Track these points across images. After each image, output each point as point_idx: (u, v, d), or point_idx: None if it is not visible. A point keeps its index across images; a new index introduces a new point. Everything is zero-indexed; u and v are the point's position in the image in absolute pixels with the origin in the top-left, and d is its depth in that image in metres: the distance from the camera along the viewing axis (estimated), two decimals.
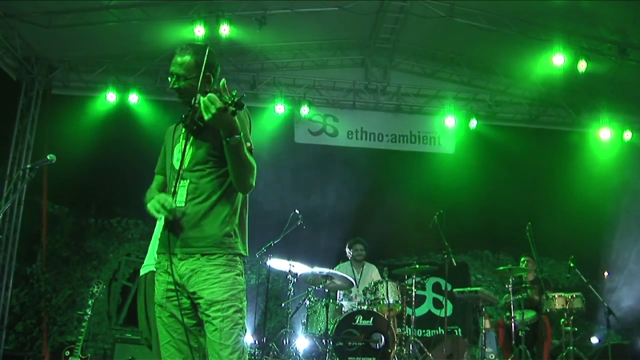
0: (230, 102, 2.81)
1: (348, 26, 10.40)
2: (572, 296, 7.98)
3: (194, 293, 3.21)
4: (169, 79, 3.39)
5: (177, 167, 3.33)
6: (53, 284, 11.59)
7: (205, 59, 3.28)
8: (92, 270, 12.03)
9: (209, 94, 2.86)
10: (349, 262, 8.71)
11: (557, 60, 9.59)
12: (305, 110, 11.08)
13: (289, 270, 7.52)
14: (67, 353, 7.20)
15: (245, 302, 3.32)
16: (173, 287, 3.25)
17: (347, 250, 8.77)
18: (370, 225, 10.82)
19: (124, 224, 12.53)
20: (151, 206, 3.12)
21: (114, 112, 10.97)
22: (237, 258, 3.31)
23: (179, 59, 3.34)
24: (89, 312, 7.39)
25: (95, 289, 7.46)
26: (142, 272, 5.32)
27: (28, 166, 4.01)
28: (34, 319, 11.24)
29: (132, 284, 12.21)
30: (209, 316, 3.14)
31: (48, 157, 4.14)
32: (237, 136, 2.96)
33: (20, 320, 11.12)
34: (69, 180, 10.89)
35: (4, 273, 10.10)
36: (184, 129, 3.36)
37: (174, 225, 3.28)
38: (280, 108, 11.05)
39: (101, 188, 11.79)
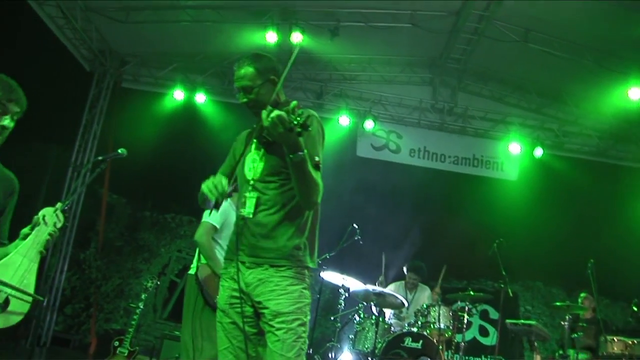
0: (296, 123, 2.80)
1: (419, 43, 10.33)
2: (633, 342, 7.62)
3: (259, 303, 3.20)
4: (237, 96, 3.42)
5: (248, 176, 3.35)
6: (104, 272, 11.79)
7: (268, 63, 3.36)
8: (142, 262, 12.18)
9: (276, 112, 2.85)
10: (403, 281, 8.58)
11: (633, 94, 9.30)
12: (369, 125, 11.02)
13: (342, 285, 7.45)
14: (117, 344, 7.29)
15: (309, 316, 3.30)
16: (238, 294, 3.25)
17: (405, 270, 8.64)
18: (426, 245, 10.68)
19: (177, 220, 12.66)
20: (205, 186, 3.11)
21: (180, 110, 11.10)
22: (305, 271, 3.30)
23: (240, 72, 3.36)
24: (141, 306, 7.45)
25: (150, 284, 7.52)
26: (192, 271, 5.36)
27: (99, 158, 4.03)
28: (83, 303, 11.47)
29: (180, 279, 12.32)
30: (273, 327, 3.13)
31: (119, 150, 4.15)
32: (300, 153, 2.95)
33: (70, 304, 11.36)
34: (130, 172, 11.05)
35: (60, 257, 10.32)
36: (255, 139, 3.39)
37: (244, 233, 3.29)
38: (344, 120, 11.00)
39: (160, 183, 11.95)
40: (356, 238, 7.44)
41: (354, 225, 7.43)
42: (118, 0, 9.31)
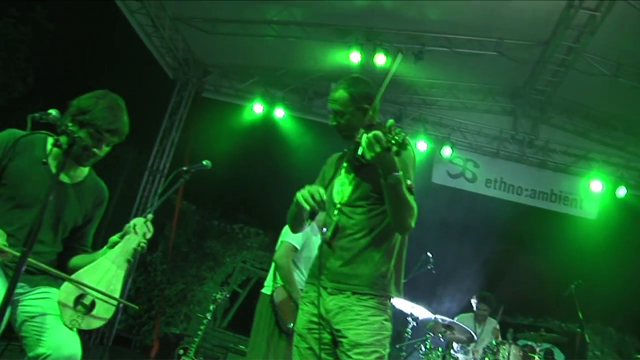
0: (394, 142, 2.72)
1: (503, 72, 10.09)
2: None
3: (338, 330, 3.13)
4: (329, 116, 3.41)
5: (336, 200, 3.30)
6: (168, 276, 11.94)
7: (364, 88, 3.30)
8: (206, 270, 12.29)
9: (374, 132, 2.78)
10: (472, 314, 8.34)
11: None
12: (447, 152, 10.81)
13: (411, 313, 7.28)
14: (181, 352, 7.31)
15: (389, 349, 3.20)
16: (317, 319, 3.19)
17: (473, 302, 8.40)
18: (496, 278, 10.40)
19: (245, 231, 12.74)
20: (300, 194, 3.05)
21: (259, 124, 11.15)
22: (388, 301, 3.21)
23: (335, 94, 3.33)
24: (209, 317, 7.46)
25: (219, 296, 7.53)
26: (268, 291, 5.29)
27: (184, 168, 4.05)
28: (146, 305, 11.62)
29: (242, 290, 12.37)
30: (350, 357, 3.05)
31: (204, 162, 4.17)
32: (395, 174, 2.87)
33: (133, 304, 11.50)
34: (202, 180, 11.10)
35: None
36: (345, 163, 3.34)
37: (328, 257, 3.23)
38: (422, 145, 10.83)
39: (231, 193, 12.09)
40: (429, 267, 7.28)
41: (428, 253, 7.26)
42: (207, 10, 9.45)
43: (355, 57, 9.19)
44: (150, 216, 3.36)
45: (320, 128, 10.43)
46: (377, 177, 3.07)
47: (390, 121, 2.79)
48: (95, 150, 3.24)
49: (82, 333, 3.17)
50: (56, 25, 11.58)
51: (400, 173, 2.89)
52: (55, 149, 3.26)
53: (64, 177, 3.33)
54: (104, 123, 3.19)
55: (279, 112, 10.94)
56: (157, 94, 11.23)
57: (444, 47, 9.28)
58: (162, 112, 11.07)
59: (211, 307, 7.50)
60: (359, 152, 3.01)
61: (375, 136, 2.76)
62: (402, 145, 2.72)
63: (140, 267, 11.58)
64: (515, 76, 10.31)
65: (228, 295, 8.87)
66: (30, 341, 3.04)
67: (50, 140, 3.29)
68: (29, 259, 2.82)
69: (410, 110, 11.24)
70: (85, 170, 3.47)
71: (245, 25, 9.59)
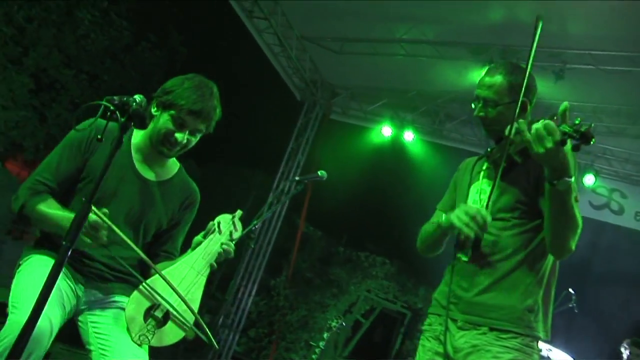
0: (574, 133, 2.07)
1: None
2: None
3: None
4: (473, 104, 2.77)
5: None
6: (291, 301, 11.83)
7: (524, 80, 2.59)
8: (330, 297, 12.09)
9: (545, 121, 2.15)
10: None
11: None
12: (590, 180, 9.82)
13: (547, 356, 6.51)
14: None
15: None
16: (442, 359, 2.60)
17: (624, 349, 7.40)
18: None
19: (371, 259, 12.47)
20: (455, 217, 2.46)
21: (387, 147, 10.76)
22: (535, 344, 2.53)
23: (487, 79, 2.72)
24: (322, 345, 7.09)
25: (334, 323, 7.14)
26: None
27: (297, 178, 3.77)
28: (266, 329, 11.56)
29: (365, 320, 12.13)
30: None
31: (319, 173, 3.90)
32: (567, 179, 2.22)
33: (254, 327, 11.51)
34: (329, 205, 11.04)
35: (250, 280, 10.37)
36: (485, 166, 2.73)
37: (460, 283, 2.62)
38: None
39: (357, 219, 11.90)
40: (570, 305, 6.48)
41: (570, 290, 6.45)
42: (336, 29, 9.18)
43: None
44: (239, 212, 2.91)
45: (453, 153, 9.84)
46: (526, 183, 2.53)
47: (565, 104, 2.17)
48: (178, 136, 2.82)
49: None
50: (188, 48, 12.03)
51: (573, 179, 2.27)
52: (138, 139, 2.94)
53: (148, 174, 2.96)
54: (186, 103, 2.77)
55: (409, 136, 10.42)
56: (284, 115, 11.20)
57: (588, 64, 8.38)
58: (289, 133, 10.94)
59: (325, 335, 7.12)
60: (513, 149, 2.43)
61: (546, 127, 2.14)
62: (586, 138, 2.08)
63: (263, 290, 11.54)
64: None
65: (345, 324, 8.50)
66: (95, 356, 2.68)
67: (135, 132, 2.96)
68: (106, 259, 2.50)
69: None
70: (174, 168, 3.09)
71: (374, 44, 9.22)
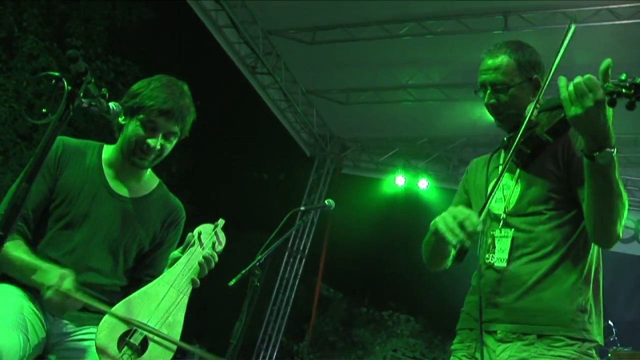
0: (628, 88, 1.75)
1: None
2: None
3: None
4: (481, 93, 2.45)
5: (496, 210, 2.37)
6: None
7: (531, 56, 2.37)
8: (355, 359, 11.69)
9: (586, 75, 1.85)
10: None
11: None
12: None
13: None
14: None
15: None
16: None
17: None
18: None
19: (394, 318, 12.17)
20: (441, 221, 2.07)
21: (401, 197, 10.67)
22: (594, 352, 2.16)
23: (490, 62, 2.40)
24: None
25: None
26: None
27: (302, 208, 3.53)
28: None
29: None
30: None
31: (326, 202, 3.66)
32: (609, 150, 1.90)
33: None
34: (347, 265, 10.79)
35: (270, 344, 9.95)
36: (504, 158, 2.41)
37: (495, 290, 2.27)
38: None
39: (377, 277, 11.64)
40: (612, 339, 6.05)
41: (610, 322, 6.04)
42: (340, 81, 9.08)
43: None
44: (221, 221, 2.58)
45: None
46: (555, 169, 2.22)
47: (607, 61, 1.85)
48: (150, 142, 2.54)
49: None
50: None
51: (615, 150, 1.93)
52: (109, 153, 2.69)
53: (122, 190, 2.67)
54: (156, 103, 2.51)
55: (423, 184, 10.25)
56: (295, 171, 11.05)
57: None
58: (302, 189, 10.74)
59: None
60: (539, 129, 2.13)
61: (588, 81, 1.83)
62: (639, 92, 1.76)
63: (285, 355, 11.13)
64: None
65: None
66: None
67: (105, 147, 2.71)
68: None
69: None
70: (152, 183, 2.80)
71: (380, 92, 9.10)
